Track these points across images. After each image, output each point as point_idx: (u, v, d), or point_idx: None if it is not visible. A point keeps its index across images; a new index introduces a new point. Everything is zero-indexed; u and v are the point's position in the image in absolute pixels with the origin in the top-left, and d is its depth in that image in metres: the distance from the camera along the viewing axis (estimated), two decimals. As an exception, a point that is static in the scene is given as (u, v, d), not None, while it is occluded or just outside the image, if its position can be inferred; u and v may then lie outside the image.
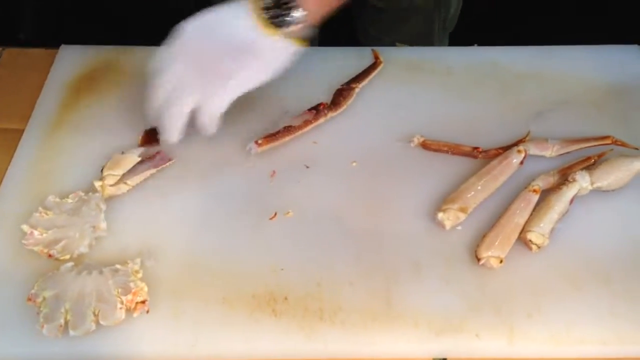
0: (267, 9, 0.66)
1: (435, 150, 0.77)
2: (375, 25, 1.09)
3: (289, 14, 0.66)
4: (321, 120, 0.75)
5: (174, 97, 0.68)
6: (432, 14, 1.05)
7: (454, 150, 0.76)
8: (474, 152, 0.75)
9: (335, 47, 0.92)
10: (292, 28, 0.66)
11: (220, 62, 0.66)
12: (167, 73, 0.69)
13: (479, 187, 0.71)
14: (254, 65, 0.67)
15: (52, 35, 1.68)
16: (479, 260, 0.66)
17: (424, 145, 0.77)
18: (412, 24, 1.06)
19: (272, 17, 0.66)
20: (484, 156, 0.75)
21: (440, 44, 1.11)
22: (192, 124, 0.71)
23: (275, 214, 0.71)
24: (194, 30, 0.67)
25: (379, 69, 0.86)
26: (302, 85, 0.84)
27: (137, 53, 0.89)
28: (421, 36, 1.08)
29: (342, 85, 0.83)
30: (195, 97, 0.68)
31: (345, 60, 0.88)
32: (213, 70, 0.66)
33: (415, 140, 0.77)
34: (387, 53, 0.89)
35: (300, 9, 0.66)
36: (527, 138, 0.76)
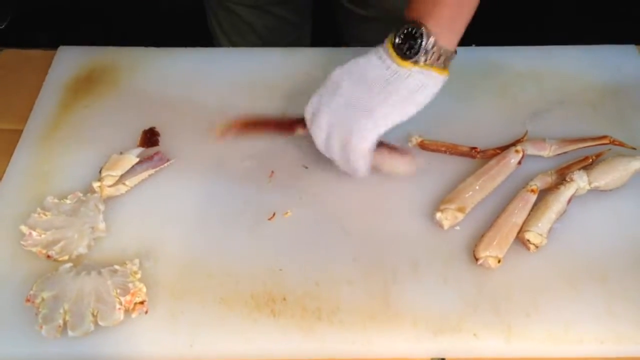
0: (399, 43, 0.67)
1: (433, 151, 0.77)
2: (361, 33, 1.08)
3: (419, 44, 0.66)
4: None
5: (312, 121, 0.70)
6: None
7: (452, 150, 0.76)
8: (471, 152, 0.76)
9: (333, 47, 0.92)
10: (426, 58, 0.66)
11: (360, 100, 0.67)
12: (309, 105, 0.70)
13: (477, 187, 0.71)
14: (393, 100, 0.67)
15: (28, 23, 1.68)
16: (477, 260, 0.66)
17: (422, 146, 0.77)
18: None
19: (405, 51, 0.66)
20: (482, 156, 0.75)
21: None
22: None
23: (274, 214, 0.71)
24: (342, 73, 0.69)
25: None
26: (300, 85, 0.84)
27: (135, 54, 0.89)
28: None
29: None
30: (331, 120, 0.69)
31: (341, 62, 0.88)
32: (354, 107, 0.67)
33: (413, 140, 0.77)
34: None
35: (431, 37, 0.65)
36: (524, 138, 0.76)
